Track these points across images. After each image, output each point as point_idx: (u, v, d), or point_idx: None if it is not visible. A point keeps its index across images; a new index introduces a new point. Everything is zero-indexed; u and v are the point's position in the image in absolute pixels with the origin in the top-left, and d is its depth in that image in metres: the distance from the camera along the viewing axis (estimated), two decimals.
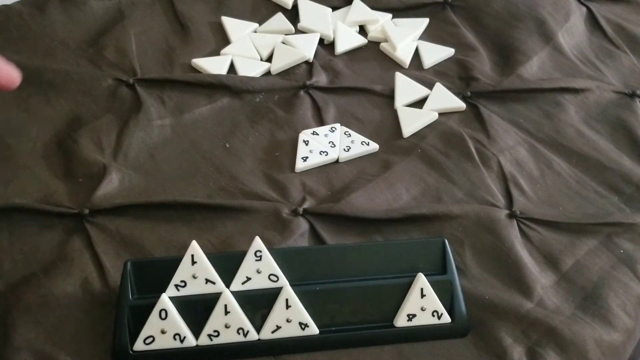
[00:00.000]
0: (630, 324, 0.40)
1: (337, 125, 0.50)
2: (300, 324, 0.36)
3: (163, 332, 0.35)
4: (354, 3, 0.61)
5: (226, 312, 0.36)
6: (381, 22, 0.60)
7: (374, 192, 0.46)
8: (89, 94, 0.51)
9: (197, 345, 0.36)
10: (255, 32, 0.59)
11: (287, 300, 0.36)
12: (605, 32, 0.61)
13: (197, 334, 0.36)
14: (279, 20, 0.59)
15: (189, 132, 0.49)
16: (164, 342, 0.35)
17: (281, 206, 0.44)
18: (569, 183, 0.48)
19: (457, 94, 0.54)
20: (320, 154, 0.48)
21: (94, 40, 0.56)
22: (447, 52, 0.58)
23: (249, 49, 0.56)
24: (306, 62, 0.56)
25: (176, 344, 0.35)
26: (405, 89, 0.54)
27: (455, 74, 0.56)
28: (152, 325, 0.35)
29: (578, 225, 0.44)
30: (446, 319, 0.38)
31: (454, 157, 0.49)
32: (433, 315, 0.37)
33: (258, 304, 0.37)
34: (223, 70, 0.54)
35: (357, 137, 0.50)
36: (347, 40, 0.58)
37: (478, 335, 0.38)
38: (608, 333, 0.39)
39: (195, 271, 0.36)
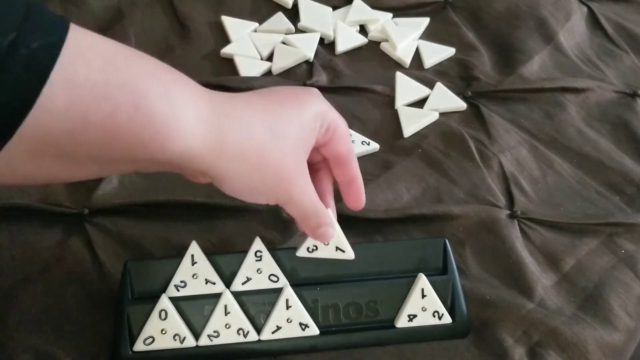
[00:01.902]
0: (631, 324, 0.40)
1: None
2: (301, 324, 0.36)
3: (163, 332, 0.35)
4: (354, 2, 0.61)
5: (226, 313, 0.36)
6: (381, 22, 0.59)
7: (375, 192, 0.46)
8: None
9: (197, 346, 0.36)
10: (255, 31, 0.58)
11: (287, 300, 0.36)
12: (606, 31, 0.61)
13: (197, 335, 0.36)
14: (279, 20, 0.59)
15: None
16: (164, 343, 0.35)
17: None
18: (570, 183, 0.48)
19: (457, 93, 0.54)
20: None
21: None
22: (448, 51, 0.58)
23: (249, 49, 0.56)
24: (306, 61, 0.56)
25: (176, 345, 0.35)
26: (406, 88, 0.54)
27: (456, 74, 0.56)
28: (152, 325, 0.35)
29: (579, 225, 0.44)
30: (447, 319, 0.37)
31: (454, 157, 0.49)
32: (434, 316, 0.37)
33: (258, 305, 0.36)
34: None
35: (358, 137, 0.49)
36: (348, 39, 0.58)
37: (479, 335, 0.38)
38: (609, 333, 0.39)
39: (196, 271, 0.36)
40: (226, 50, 0.56)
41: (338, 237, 0.36)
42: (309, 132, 0.32)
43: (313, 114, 0.32)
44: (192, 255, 0.36)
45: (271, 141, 0.30)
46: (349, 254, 0.37)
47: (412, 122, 0.51)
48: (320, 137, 0.33)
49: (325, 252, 0.36)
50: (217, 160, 0.29)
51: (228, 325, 0.36)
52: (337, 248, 0.37)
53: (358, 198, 0.37)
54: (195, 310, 0.36)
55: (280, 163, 0.31)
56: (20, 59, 0.22)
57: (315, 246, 0.36)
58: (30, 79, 0.22)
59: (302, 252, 0.37)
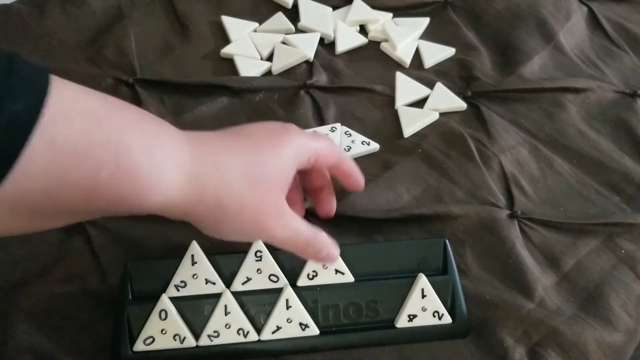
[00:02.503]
0: (632, 324, 0.40)
1: (338, 125, 0.50)
2: (301, 324, 0.36)
3: (163, 332, 0.35)
4: (354, 2, 0.61)
5: (226, 313, 0.36)
6: (382, 22, 0.59)
7: (375, 192, 0.46)
8: None
9: (197, 346, 0.36)
10: (255, 31, 0.58)
11: (287, 300, 0.36)
12: (607, 31, 0.61)
13: (197, 335, 0.36)
14: (279, 20, 0.59)
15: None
16: (164, 343, 0.35)
17: None
18: (570, 183, 0.48)
19: (457, 93, 0.54)
20: None
21: (93, 40, 0.56)
22: (448, 51, 0.58)
23: (249, 49, 0.56)
24: (306, 61, 0.56)
25: (176, 345, 0.35)
26: (406, 88, 0.54)
27: (456, 74, 0.56)
28: (152, 325, 0.35)
29: (579, 225, 0.44)
30: (447, 319, 0.37)
31: (454, 157, 0.49)
32: (434, 316, 0.37)
33: (258, 305, 0.36)
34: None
35: (358, 137, 0.49)
36: (348, 39, 0.58)
37: (479, 335, 0.38)
38: (609, 333, 0.39)
39: (196, 271, 0.36)
40: (226, 50, 0.56)
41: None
42: (287, 173, 0.32)
43: (291, 154, 0.32)
44: (192, 255, 0.36)
45: (248, 188, 0.30)
46: (349, 277, 0.37)
47: (412, 122, 0.51)
48: (305, 166, 0.34)
49: (326, 277, 0.37)
50: (195, 208, 0.29)
51: (228, 325, 0.36)
52: (336, 271, 0.37)
53: (358, 182, 0.40)
54: (195, 310, 0.36)
55: (258, 208, 0.31)
56: (0, 122, 0.21)
57: (315, 272, 0.37)
58: (11, 143, 0.22)
59: (302, 282, 0.37)
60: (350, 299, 0.37)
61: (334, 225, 0.43)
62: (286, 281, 0.37)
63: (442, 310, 0.37)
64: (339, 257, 0.37)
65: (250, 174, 0.30)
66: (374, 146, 0.49)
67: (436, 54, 0.57)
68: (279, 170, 0.32)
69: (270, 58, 0.56)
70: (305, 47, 0.56)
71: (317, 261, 0.36)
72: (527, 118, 0.52)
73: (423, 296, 0.37)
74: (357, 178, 0.39)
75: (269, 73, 0.55)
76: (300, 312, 0.36)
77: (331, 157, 0.36)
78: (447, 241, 0.40)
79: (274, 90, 0.53)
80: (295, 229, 0.33)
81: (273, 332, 0.36)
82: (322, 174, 0.38)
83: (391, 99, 0.53)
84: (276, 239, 0.33)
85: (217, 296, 0.36)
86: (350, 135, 0.49)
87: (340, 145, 0.49)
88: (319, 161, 0.35)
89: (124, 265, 0.37)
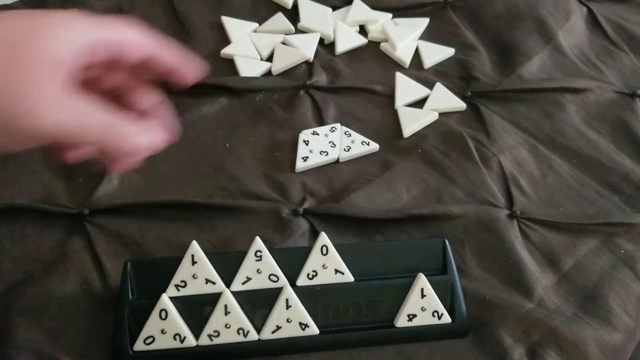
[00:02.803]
0: (631, 324, 0.40)
1: (338, 125, 0.50)
2: (301, 324, 0.36)
3: (163, 332, 0.35)
4: (354, 3, 0.61)
5: (226, 312, 0.36)
6: (381, 22, 0.59)
7: (375, 192, 0.46)
8: None
9: (197, 346, 0.36)
10: (255, 32, 0.59)
11: (287, 300, 0.36)
12: (606, 32, 0.61)
13: (197, 334, 0.36)
14: (279, 20, 0.59)
15: (189, 132, 0.49)
16: (164, 342, 0.35)
17: (281, 206, 0.44)
18: (570, 183, 0.48)
19: (457, 93, 0.54)
20: (321, 154, 0.48)
21: None
22: (448, 52, 0.58)
23: (249, 49, 0.56)
24: (306, 61, 0.56)
25: (176, 344, 0.35)
26: (406, 88, 0.54)
27: (456, 74, 0.56)
28: (152, 325, 0.35)
29: (578, 225, 0.44)
30: (446, 319, 0.37)
31: (454, 157, 0.49)
32: (433, 316, 0.37)
33: (258, 304, 0.36)
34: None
35: (358, 137, 0.50)
36: (348, 40, 0.58)
37: (478, 335, 0.38)
38: (609, 333, 0.39)
39: (196, 271, 0.36)
40: (226, 51, 0.56)
41: (335, 259, 0.37)
42: (58, 52, 0.25)
43: (62, 35, 0.25)
44: (192, 255, 0.36)
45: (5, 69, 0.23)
46: (349, 277, 0.37)
47: (411, 122, 0.51)
48: (91, 58, 0.27)
49: (325, 277, 0.37)
50: None
51: (228, 325, 0.36)
52: (336, 271, 0.37)
53: (184, 77, 0.31)
54: (195, 310, 0.36)
55: (13, 85, 0.24)
56: None
57: (315, 272, 0.37)
58: None
59: (302, 281, 0.37)
60: (350, 298, 0.37)
61: (334, 225, 0.44)
62: (286, 281, 0.37)
63: (442, 309, 0.37)
64: (337, 256, 0.37)
65: (9, 53, 0.23)
66: (374, 146, 0.49)
67: (436, 54, 0.57)
68: (45, 47, 0.24)
69: (270, 58, 0.56)
70: (305, 48, 0.56)
71: (139, 150, 0.28)
72: (527, 118, 0.52)
73: (423, 296, 0.37)
74: (182, 73, 0.31)
75: (268, 73, 0.55)
76: (300, 312, 0.36)
77: (136, 51, 0.28)
78: (446, 241, 0.40)
79: (273, 90, 0.53)
80: (88, 110, 0.26)
81: (273, 332, 0.36)
82: (163, 58, 0.29)
83: (391, 99, 0.54)
84: (61, 123, 0.25)
85: (217, 296, 0.36)
86: (350, 136, 0.49)
87: (340, 145, 0.49)
88: (120, 55, 0.27)
89: (124, 265, 0.37)
